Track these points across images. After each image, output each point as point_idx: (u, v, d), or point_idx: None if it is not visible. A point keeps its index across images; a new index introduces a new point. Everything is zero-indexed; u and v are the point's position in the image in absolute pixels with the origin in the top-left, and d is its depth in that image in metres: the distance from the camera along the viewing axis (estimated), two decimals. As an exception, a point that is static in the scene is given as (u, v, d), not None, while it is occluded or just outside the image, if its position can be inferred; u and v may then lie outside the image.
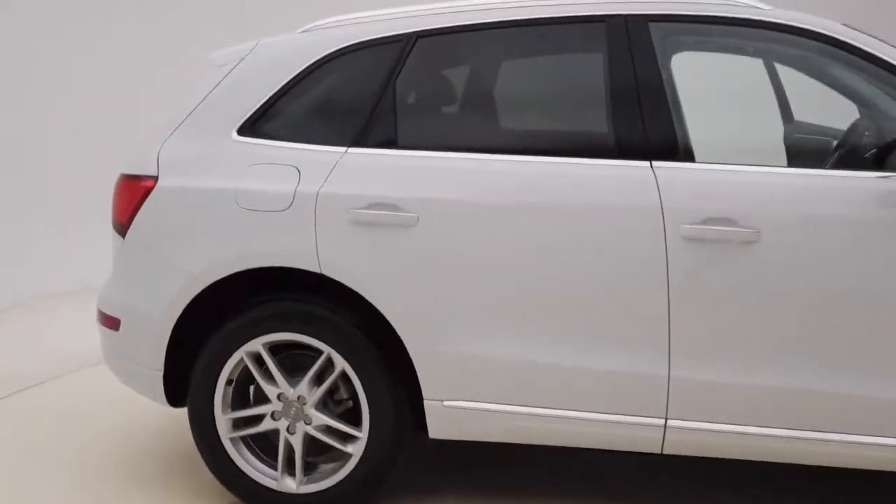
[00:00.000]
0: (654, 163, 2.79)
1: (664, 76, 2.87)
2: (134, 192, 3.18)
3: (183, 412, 3.25)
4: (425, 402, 2.95)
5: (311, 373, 3.04)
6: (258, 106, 3.11)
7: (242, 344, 3.07)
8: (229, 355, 3.09)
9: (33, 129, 6.47)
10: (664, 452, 2.87)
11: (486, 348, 2.87)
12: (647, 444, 2.86)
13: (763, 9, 2.91)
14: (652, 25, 2.90)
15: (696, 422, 2.79)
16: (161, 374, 3.16)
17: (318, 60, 3.11)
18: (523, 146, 3.01)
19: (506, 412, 2.91)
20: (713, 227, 2.70)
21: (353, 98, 3.09)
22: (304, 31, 3.25)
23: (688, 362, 2.75)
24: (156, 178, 3.14)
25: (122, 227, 3.22)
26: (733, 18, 2.88)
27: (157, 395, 3.22)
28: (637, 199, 2.76)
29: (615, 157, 2.84)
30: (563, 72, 3.07)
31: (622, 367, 2.80)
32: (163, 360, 3.14)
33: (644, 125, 2.82)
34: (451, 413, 2.94)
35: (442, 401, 2.93)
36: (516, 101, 3.16)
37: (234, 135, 3.11)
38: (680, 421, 2.79)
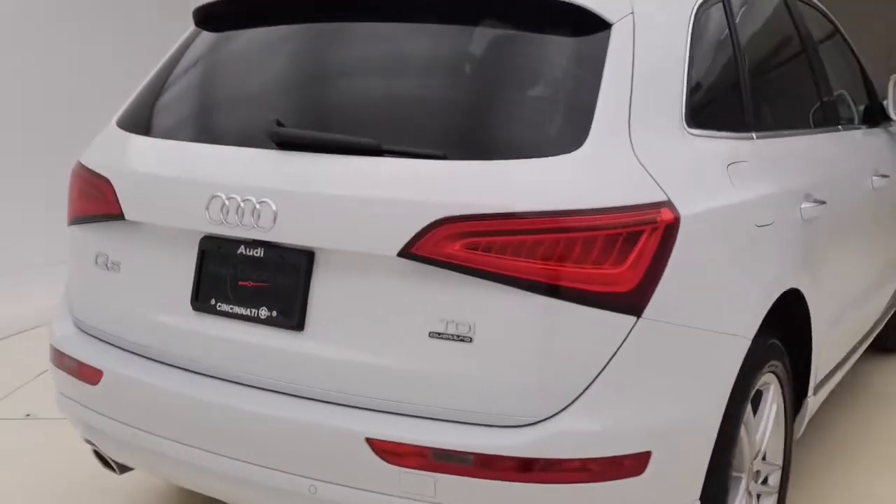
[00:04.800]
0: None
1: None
2: (618, 237, 1.92)
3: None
4: (810, 399, 2.80)
5: (769, 409, 2.52)
6: (686, 89, 2.30)
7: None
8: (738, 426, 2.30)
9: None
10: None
11: (841, 324, 3.06)
12: None
13: None
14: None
15: None
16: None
17: (692, 26, 2.40)
18: (816, 121, 3.23)
19: (830, 377, 3.09)
20: (881, 178, 3.51)
21: (722, 74, 2.61)
22: None
23: None
24: (671, 206, 2.04)
25: (603, 299, 1.92)
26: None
27: None
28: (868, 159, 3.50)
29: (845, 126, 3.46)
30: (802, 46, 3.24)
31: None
32: (702, 479, 2.12)
33: (822, 97, 3.32)
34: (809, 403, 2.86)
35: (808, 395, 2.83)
36: (803, 80, 3.27)
37: (686, 128, 2.26)
38: None
